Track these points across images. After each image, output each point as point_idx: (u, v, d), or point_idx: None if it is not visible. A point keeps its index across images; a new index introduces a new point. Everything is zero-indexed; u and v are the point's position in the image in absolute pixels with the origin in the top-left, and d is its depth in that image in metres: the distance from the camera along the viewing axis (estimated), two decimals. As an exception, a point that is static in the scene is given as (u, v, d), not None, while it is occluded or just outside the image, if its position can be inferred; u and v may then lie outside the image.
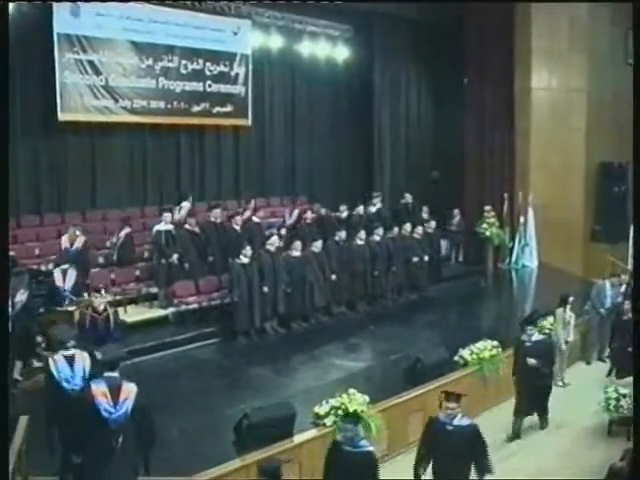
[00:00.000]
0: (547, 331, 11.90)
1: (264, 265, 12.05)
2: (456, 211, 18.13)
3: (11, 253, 11.90)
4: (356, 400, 8.43)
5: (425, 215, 16.88)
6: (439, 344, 11.41)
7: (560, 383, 11.60)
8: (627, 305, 12.05)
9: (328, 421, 8.24)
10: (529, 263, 17.95)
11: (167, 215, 12.54)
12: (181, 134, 16.37)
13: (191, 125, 16.26)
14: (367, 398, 8.62)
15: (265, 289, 11.99)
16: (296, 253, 12.61)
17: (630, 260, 15.06)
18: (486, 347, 10.86)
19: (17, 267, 11.70)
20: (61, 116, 13.72)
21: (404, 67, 19.72)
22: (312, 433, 8.19)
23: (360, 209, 15.66)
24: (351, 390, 8.64)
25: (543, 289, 16.20)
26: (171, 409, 8.70)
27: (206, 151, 16.90)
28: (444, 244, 17.59)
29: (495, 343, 11.02)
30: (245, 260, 11.84)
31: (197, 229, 12.85)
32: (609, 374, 11.93)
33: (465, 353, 10.69)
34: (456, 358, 10.70)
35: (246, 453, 7.50)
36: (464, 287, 16.53)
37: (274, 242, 12.29)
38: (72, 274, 11.02)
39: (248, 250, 11.81)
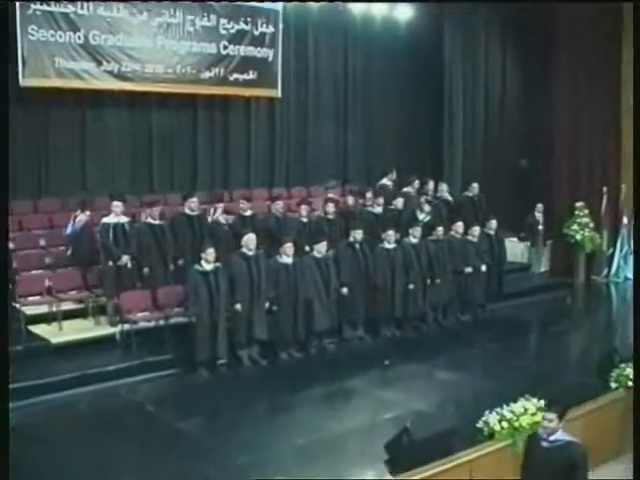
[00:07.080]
0: (630, 384, 8.29)
1: (235, 274, 9.00)
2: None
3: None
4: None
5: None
6: (467, 398, 8.02)
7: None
8: None
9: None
10: (634, 276, 14.03)
11: (118, 204, 9.60)
12: (199, 107, 13.75)
13: (211, 96, 13.57)
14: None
15: (237, 306, 8.97)
16: (287, 259, 9.47)
17: None
18: (527, 409, 7.28)
19: None
20: (23, 82, 11.14)
21: (483, 32, 16.15)
22: None
23: (399, 202, 12.18)
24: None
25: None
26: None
27: (231, 129, 14.22)
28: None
29: (541, 403, 7.40)
30: (207, 267, 8.82)
31: (161, 222, 9.90)
32: None
33: (492, 418, 7.16)
34: (479, 424, 7.23)
35: None
36: (542, 305, 12.88)
37: (249, 242, 9.15)
38: None
39: (210, 253, 8.75)
